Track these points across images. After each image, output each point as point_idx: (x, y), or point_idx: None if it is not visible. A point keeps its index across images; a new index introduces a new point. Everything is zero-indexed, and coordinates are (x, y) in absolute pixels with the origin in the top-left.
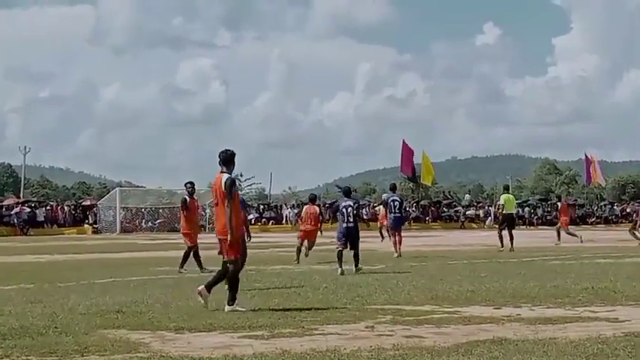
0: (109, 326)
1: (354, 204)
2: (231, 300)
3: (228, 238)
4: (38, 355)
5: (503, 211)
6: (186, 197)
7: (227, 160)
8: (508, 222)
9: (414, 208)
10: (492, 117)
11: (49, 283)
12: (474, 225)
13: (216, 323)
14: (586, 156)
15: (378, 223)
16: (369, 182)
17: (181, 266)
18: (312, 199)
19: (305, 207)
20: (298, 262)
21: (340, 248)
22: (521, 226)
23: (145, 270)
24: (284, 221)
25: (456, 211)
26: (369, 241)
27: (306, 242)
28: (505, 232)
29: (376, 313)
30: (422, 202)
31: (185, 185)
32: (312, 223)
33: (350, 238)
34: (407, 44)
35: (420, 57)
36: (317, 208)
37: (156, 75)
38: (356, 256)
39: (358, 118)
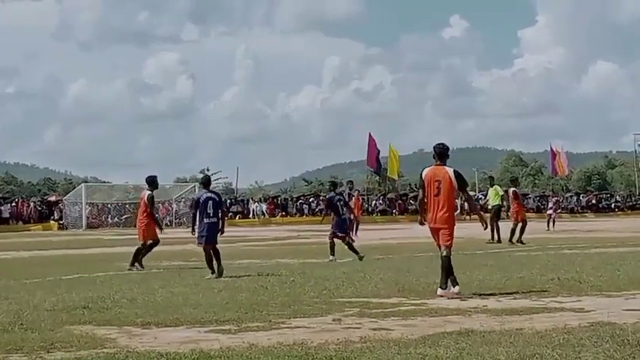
0: (76, 322)
1: (343, 197)
2: None
3: None
4: (3, 351)
5: (492, 203)
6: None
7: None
8: (496, 214)
9: (380, 201)
10: (460, 110)
11: (15, 279)
12: None
13: (183, 318)
14: (551, 148)
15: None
16: (336, 176)
17: None
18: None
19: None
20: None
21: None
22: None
23: (111, 266)
24: (251, 215)
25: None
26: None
27: None
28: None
29: (343, 306)
30: (389, 195)
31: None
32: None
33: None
34: (374, 38)
35: (387, 50)
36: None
37: (122, 70)
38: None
39: (325, 111)
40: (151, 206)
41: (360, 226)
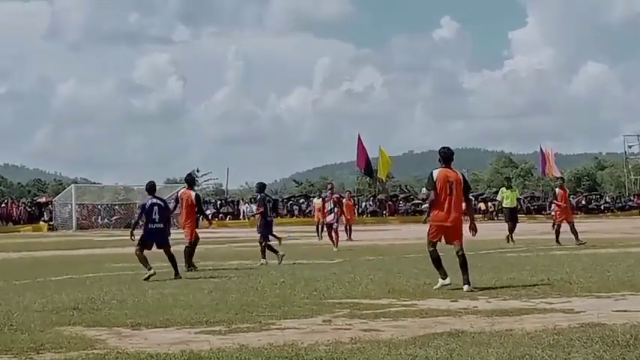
0: (65, 323)
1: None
2: None
3: None
4: None
5: (504, 205)
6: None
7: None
8: (510, 215)
9: (370, 202)
10: (450, 111)
11: (5, 280)
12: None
13: (173, 319)
14: (541, 149)
15: (317, 217)
16: (326, 177)
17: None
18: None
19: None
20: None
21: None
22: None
23: (101, 267)
24: (241, 216)
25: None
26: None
27: None
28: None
29: (333, 307)
30: (379, 197)
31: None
32: None
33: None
34: (365, 39)
35: (378, 51)
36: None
37: (112, 71)
38: None
39: (316, 112)
40: (199, 205)
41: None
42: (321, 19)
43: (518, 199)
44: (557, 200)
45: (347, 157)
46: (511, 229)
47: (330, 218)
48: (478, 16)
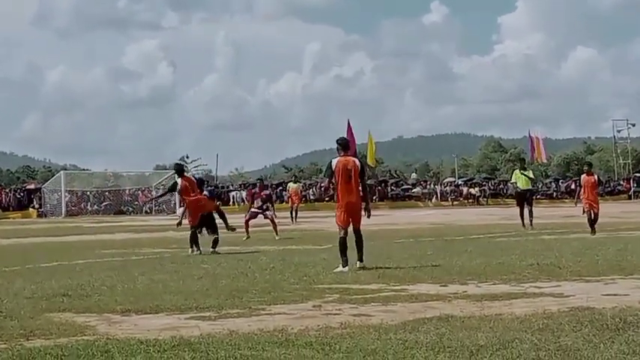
0: (55, 310)
1: None
2: None
3: None
4: None
5: (522, 188)
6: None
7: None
8: (520, 199)
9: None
10: (440, 96)
11: None
12: (419, 203)
13: (163, 305)
14: (530, 134)
15: (291, 202)
16: (316, 162)
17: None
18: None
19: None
20: None
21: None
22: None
23: (90, 253)
24: (231, 203)
25: (404, 189)
26: (317, 221)
27: None
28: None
29: (323, 293)
30: (369, 182)
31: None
32: None
33: None
34: (355, 24)
35: (367, 36)
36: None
37: (101, 57)
38: None
39: (305, 98)
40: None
41: None
42: (310, 4)
43: (532, 181)
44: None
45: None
46: (521, 214)
47: (253, 211)
48: (468, 1)
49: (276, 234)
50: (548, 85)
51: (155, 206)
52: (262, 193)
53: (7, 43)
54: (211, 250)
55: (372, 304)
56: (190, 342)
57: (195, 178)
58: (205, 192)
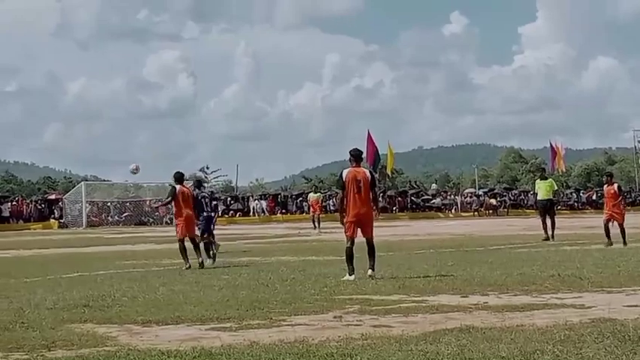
0: (76, 320)
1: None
2: None
3: None
4: (5, 350)
5: (537, 198)
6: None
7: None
8: (542, 209)
9: (380, 199)
10: (459, 106)
11: (15, 278)
12: (440, 214)
13: (184, 316)
14: (551, 144)
15: (312, 211)
16: (335, 173)
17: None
18: None
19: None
20: None
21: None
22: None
23: (111, 264)
24: (251, 213)
25: (424, 200)
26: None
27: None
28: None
29: (344, 304)
30: (388, 193)
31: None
32: None
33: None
34: (374, 34)
35: (387, 47)
36: None
37: (122, 68)
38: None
39: (325, 109)
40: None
41: None
42: (330, 15)
43: (554, 191)
44: (605, 196)
45: None
46: (544, 224)
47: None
48: (488, 11)
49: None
50: (569, 95)
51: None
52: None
53: (29, 54)
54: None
55: (393, 315)
56: (211, 353)
57: (195, 179)
58: (204, 193)
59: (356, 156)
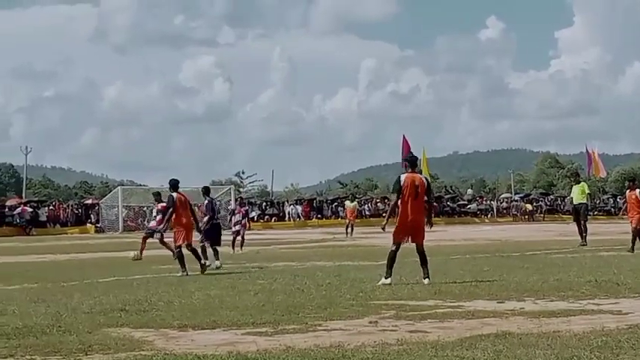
0: (113, 325)
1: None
2: None
3: None
4: (42, 354)
5: (576, 202)
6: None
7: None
8: (575, 213)
9: None
10: (495, 111)
11: (53, 282)
12: (476, 219)
13: (220, 320)
14: (587, 149)
15: (347, 218)
16: (371, 178)
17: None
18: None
19: None
20: None
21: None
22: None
23: (147, 268)
24: (286, 218)
25: (460, 205)
26: (373, 237)
27: None
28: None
29: (380, 309)
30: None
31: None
32: None
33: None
34: (410, 40)
35: (423, 52)
36: None
37: (158, 73)
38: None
39: (361, 114)
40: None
41: None
42: (366, 20)
43: (587, 195)
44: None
45: (392, 158)
46: (579, 229)
47: (237, 227)
48: (524, 16)
49: (240, 248)
50: (606, 100)
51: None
52: (242, 209)
53: (66, 60)
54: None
55: (429, 320)
56: (247, 357)
57: (203, 187)
58: (206, 200)
59: (411, 162)
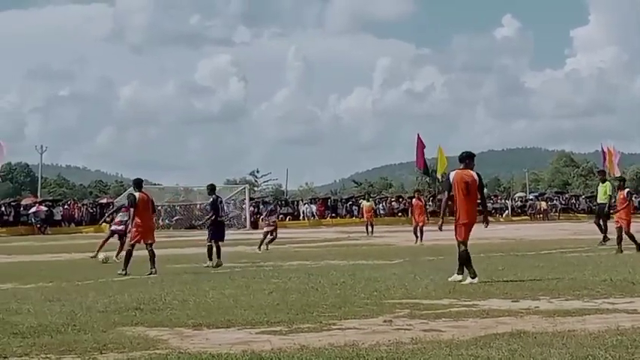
0: (128, 323)
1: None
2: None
3: None
4: (57, 353)
5: (599, 201)
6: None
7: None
8: (598, 212)
9: (430, 203)
10: (511, 110)
11: (68, 281)
12: (490, 219)
13: (234, 319)
14: (602, 148)
15: (365, 218)
16: (385, 177)
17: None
18: None
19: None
20: None
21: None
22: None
23: (162, 267)
24: (301, 217)
25: None
26: (387, 236)
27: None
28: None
29: (394, 308)
30: (439, 197)
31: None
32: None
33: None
34: (426, 38)
35: (438, 51)
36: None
37: (174, 73)
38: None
39: (376, 112)
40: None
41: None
42: (381, 19)
43: (610, 196)
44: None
45: (407, 157)
46: (599, 229)
47: (271, 227)
48: (540, 15)
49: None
50: (622, 98)
51: (226, 221)
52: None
53: (82, 59)
54: (216, 262)
55: (443, 319)
56: (262, 356)
57: (208, 185)
58: (211, 198)
59: (463, 158)
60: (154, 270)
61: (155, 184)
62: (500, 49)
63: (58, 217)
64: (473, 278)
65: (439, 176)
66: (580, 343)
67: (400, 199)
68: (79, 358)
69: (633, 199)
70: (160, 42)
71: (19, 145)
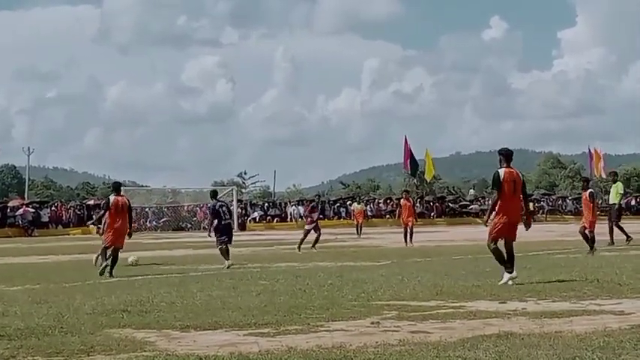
0: (115, 325)
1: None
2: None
3: None
4: (44, 355)
5: (611, 201)
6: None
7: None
8: (612, 213)
9: (418, 204)
10: (499, 111)
11: (55, 283)
12: (478, 220)
13: (222, 321)
14: (589, 149)
15: (356, 220)
16: (373, 179)
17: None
18: None
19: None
20: None
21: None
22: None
23: (149, 269)
24: (289, 219)
25: (462, 206)
26: (375, 237)
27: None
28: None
29: (381, 309)
30: (426, 198)
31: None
32: None
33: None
34: (414, 39)
35: (426, 52)
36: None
37: (161, 73)
38: None
39: (364, 114)
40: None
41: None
42: (369, 20)
43: (621, 195)
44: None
45: (394, 158)
46: (610, 228)
47: (312, 226)
48: (527, 16)
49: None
50: (609, 100)
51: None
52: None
53: (69, 60)
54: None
55: (431, 320)
56: (249, 358)
57: (210, 190)
58: (222, 202)
59: (506, 156)
60: (110, 274)
61: (143, 186)
62: (487, 51)
63: (45, 218)
64: (510, 273)
65: (427, 178)
66: (567, 345)
67: (389, 201)
68: None
69: (596, 200)
70: (147, 43)
71: (6, 147)
